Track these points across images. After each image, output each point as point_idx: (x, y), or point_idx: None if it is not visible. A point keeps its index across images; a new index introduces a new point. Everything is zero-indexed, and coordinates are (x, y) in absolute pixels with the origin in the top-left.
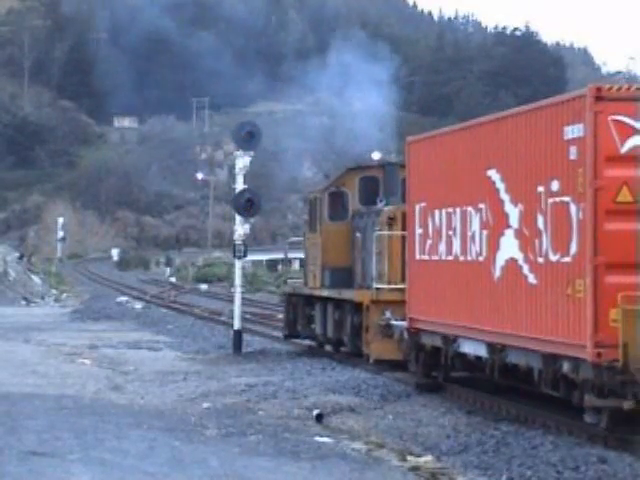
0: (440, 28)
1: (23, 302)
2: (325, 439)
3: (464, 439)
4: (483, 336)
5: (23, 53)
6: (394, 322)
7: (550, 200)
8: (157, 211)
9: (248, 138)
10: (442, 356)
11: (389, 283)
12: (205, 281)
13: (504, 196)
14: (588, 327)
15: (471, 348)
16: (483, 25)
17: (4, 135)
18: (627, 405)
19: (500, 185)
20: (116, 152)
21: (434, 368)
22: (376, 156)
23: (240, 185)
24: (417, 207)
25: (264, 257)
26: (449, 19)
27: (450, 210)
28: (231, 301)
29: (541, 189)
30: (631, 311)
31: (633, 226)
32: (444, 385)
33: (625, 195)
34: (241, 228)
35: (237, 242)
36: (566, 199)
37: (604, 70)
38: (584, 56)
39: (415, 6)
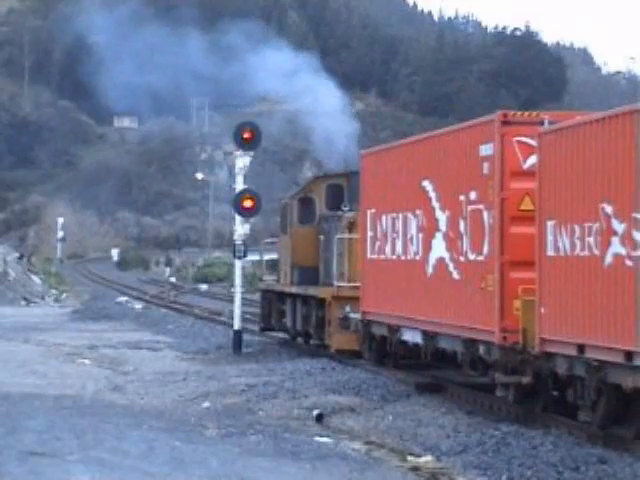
0: (440, 28)
1: (23, 302)
2: (325, 439)
3: (464, 439)
4: (419, 325)
5: (23, 53)
6: (350, 315)
7: (469, 208)
8: (157, 211)
9: (248, 138)
10: (388, 344)
11: (349, 281)
12: (205, 281)
13: (435, 204)
14: (496, 315)
15: (410, 336)
16: (483, 25)
17: (4, 135)
18: (525, 380)
19: (432, 194)
20: (116, 152)
21: (384, 355)
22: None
23: (240, 185)
24: (368, 212)
25: (265, 257)
26: (449, 19)
27: (394, 215)
28: (231, 301)
29: (462, 198)
30: (529, 301)
31: (532, 230)
32: (444, 385)
33: (527, 204)
34: (241, 228)
35: (237, 242)
36: (480, 207)
37: (604, 70)
38: (584, 56)
39: (415, 6)
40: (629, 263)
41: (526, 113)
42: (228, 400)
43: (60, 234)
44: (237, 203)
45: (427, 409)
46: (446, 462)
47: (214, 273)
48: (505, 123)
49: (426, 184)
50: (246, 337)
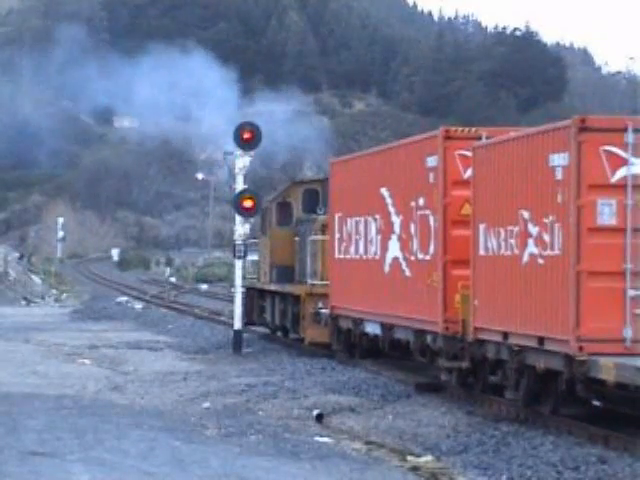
0: (440, 28)
1: (23, 302)
2: (325, 439)
3: (464, 439)
4: (378, 318)
5: (23, 53)
6: (322, 310)
7: (418, 212)
8: (157, 211)
9: (248, 138)
10: (353, 336)
11: (321, 279)
12: (205, 281)
13: (391, 209)
14: (440, 308)
15: (371, 328)
16: (483, 25)
17: (4, 135)
18: (464, 365)
19: (388, 200)
20: (116, 152)
21: (351, 347)
22: None
23: (240, 185)
24: (336, 216)
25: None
26: (449, 19)
27: (357, 219)
28: (231, 301)
29: (413, 204)
30: (466, 295)
31: (470, 232)
32: (444, 385)
33: (466, 209)
34: (241, 228)
35: (237, 242)
36: (427, 212)
37: (604, 70)
38: (584, 56)
39: (415, 6)
40: (540, 261)
41: (466, 129)
42: (228, 400)
43: (60, 234)
44: (237, 203)
45: (427, 409)
46: (446, 462)
47: (214, 273)
48: (447, 138)
49: (383, 191)
50: (246, 337)
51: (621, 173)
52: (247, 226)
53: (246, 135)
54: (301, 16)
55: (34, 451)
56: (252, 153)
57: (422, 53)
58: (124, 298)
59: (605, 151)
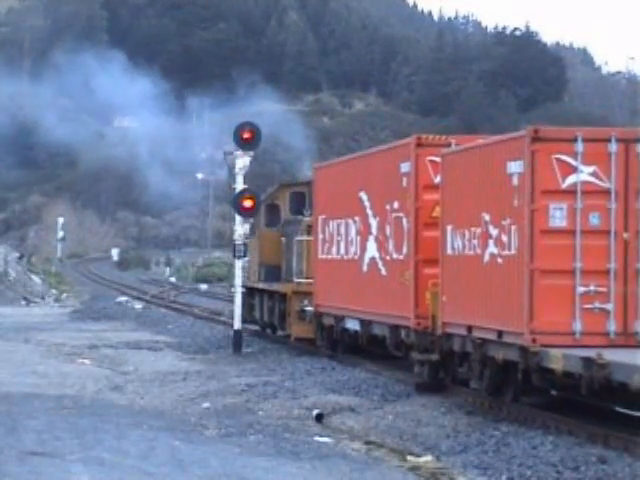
0: (440, 28)
1: (23, 302)
2: (325, 439)
3: (464, 439)
4: (357, 315)
5: (23, 53)
6: (307, 308)
7: (393, 215)
8: (157, 211)
9: (248, 138)
10: (335, 332)
11: (307, 278)
12: (205, 281)
13: (369, 212)
14: (412, 305)
15: (351, 324)
16: (483, 25)
17: (4, 135)
18: (434, 357)
19: (367, 203)
20: (116, 152)
21: (334, 342)
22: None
23: (240, 185)
24: (320, 218)
25: None
26: (449, 19)
27: (339, 221)
28: (231, 301)
29: (388, 207)
30: (436, 293)
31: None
32: (444, 385)
33: (437, 212)
34: (241, 228)
35: (237, 242)
36: (401, 214)
37: (604, 70)
38: (584, 56)
39: (415, 6)
40: (499, 260)
41: (437, 137)
42: (228, 400)
43: (60, 234)
44: (237, 203)
45: (427, 409)
46: (446, 462)
47: (214, 273)
48: (419, 145)
49: (362, 195)
50: (246, 337)
51: (571, 180)
52: (247, 226)
53: (246, 135)
54: (301, 16)
55: (34, 451)
56: (252, 153)
57: (422, 53)
58: (124, 298)
59: (556, 159)
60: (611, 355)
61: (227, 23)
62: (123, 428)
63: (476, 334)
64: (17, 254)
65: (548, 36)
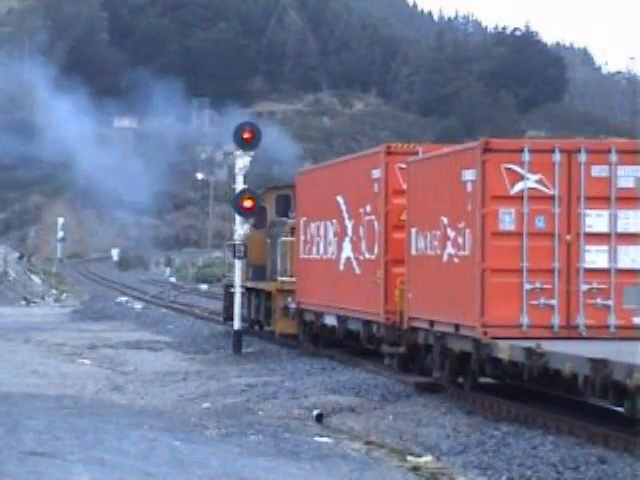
0: (440, 28)
1: (23, 302)
2: (325, 439)
3: (464, 439)
4: (335, 311)
5: (23, 53)
6: (290, 305)
7: (366, 218)
8: (157, 211)
9: (248, 138)
10: (315, 327)
11: (290, 277)
12: (205, 281)
13: (345, 214)
14: (382, 301)
15: (329, 320)
16: (483, 25)
17: (4, 135)
18: (401, 350)
19: (343, 207)
20: (116, 152)
21: (316, 337)
22: None
23: (240, 185)
24: (301, 220)
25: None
26: (449, 19)
27: (318, 223)
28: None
29: (361, 210)
30: (403, 290)
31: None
32: (444, 385)
33: (405, 215)
34: (241, 228)
35: (237, 242)
36: (373, 217)
37: (604, 70)
38: (584, 56)
39: (415, 6)
40: (456, 260)
41: (406, 145)
42: (228, 400)
43: (60, 234)
44: (237, 203)
45: (427, 409)
46: (446, 462)
47: (214, 273)
48: (389, 153)
49: (339, 198)
50: (246, 337)
51: (519, 187)
52: (247, 226)
53: (246, 135)
54: (301, 16)
55: (34, 451)
56: (252, 153)
57: (422, 53)
58: (124, 298)
59: (505, 168)
60: (549, 346)
61: (227, 23)
62: (123, 428)
63: (437, 328)
64: (17, 254)
65: (548, 36)
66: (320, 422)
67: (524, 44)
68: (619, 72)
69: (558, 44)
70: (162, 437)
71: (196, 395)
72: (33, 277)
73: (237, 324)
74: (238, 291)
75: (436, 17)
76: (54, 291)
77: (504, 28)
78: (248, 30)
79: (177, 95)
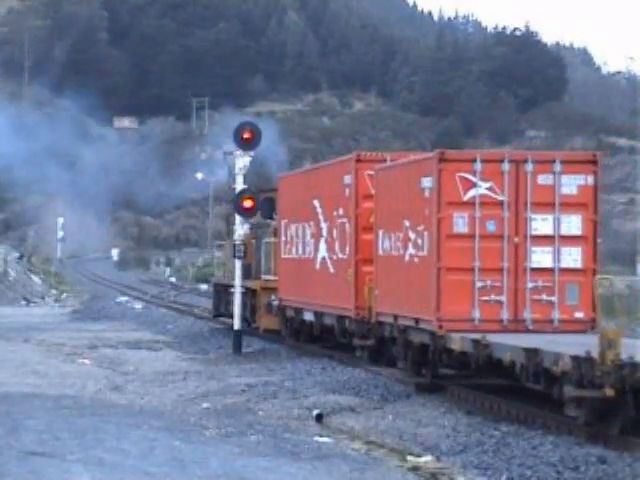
0: (440, 28)
1: (23, 302)
2: (325, 439)
3: (464, 439)
4: (312, 307)
5: (23, 53)
6: (273, 302)
7: (339, 220)
8: (157, 211)
9: (248, 138)
10: (295, 323)
11: (274, 275)
12: (205, 281)
13: (321, 217)
14: (352, 297)
15: (307, 316)
16: (483, 25)
17: (4, 135)
18: (370, 343)
19: (319, 210)
20: (116, 152)
21: (297, 332)
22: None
23: (240, 185)
24: (282, 222)
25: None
26: (449, 19)
27: (297, 225)
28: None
29: (335, 213)
30: (372, 287)
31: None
32: (444, 385)
33: (373, 218)
34: (241, 228)
35: (237, 242)
36: (344, 220)
37: (604, 70)
38: (584, 56)
39: (415, 6)
40: (416, 260)
41: (375, 153)
42: (228, 400)
43: (60, 234)
44: (237, 203)
45: (427, 409)
46: (446, 462)
47: (214, 273)
48: (359, 161)
49: (316, 202)
50: (246, 337)
51: (471, 193)
52: (247, 226)
53: (246, 135)
54: (301, 16)
55: (34, 451)
56: (252, 153)
57: (422, 53)
58: (124, 298)
59: (459, 176)
60: (494, 338)
61: (227, 23)
62: (123, 428)
63: (400, 322)
64: (17, 254)
65: (548, 36)
66: (320, 422)
67: (524, 44)
68: (619, 72)
69: (558, 44)
70: (162, 437)
71: (196, 395)
72: (33, 277)
73: (237, 324)
74: (238, 291)
75: (436, 17)
76: (54, 291)
77: (504, 28)
78: (248, 30)
79: (177, 95)
